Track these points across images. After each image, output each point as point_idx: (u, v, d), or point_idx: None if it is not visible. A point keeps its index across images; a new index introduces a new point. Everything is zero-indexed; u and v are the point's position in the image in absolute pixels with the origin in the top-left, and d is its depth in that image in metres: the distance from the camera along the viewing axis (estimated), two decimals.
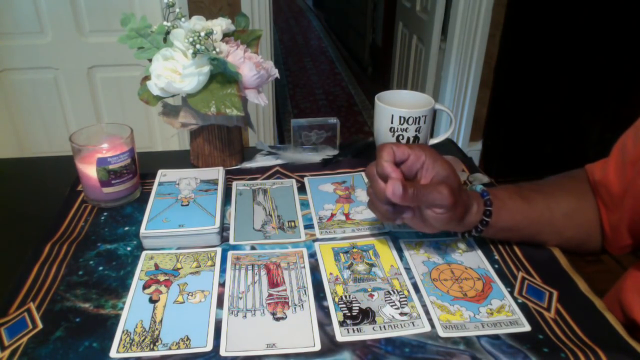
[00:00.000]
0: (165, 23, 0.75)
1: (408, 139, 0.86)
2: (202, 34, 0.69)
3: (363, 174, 0.85)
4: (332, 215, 0.74)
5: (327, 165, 0.87)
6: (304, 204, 0.77)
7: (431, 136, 0.91)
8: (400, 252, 0.66)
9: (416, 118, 0.84)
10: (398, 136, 0.85)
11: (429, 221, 0.58)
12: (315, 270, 0.63)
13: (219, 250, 0.66)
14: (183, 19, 0.75)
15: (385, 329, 0.54)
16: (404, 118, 0.84)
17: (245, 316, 0.55)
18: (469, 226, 0.62)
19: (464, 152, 0.96)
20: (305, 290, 0.59)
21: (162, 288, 0.59)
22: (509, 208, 0.63)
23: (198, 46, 0.69)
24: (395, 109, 0.84)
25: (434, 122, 0.90)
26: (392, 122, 0.84)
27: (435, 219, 0.58)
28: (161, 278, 0.61)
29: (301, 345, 0.51)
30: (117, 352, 0.51)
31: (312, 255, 0.65)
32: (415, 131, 0.85)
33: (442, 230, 0.62)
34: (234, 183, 0.82)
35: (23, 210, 0.77)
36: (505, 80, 2.31)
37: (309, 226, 0.72)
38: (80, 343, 0.51)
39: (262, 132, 2.22)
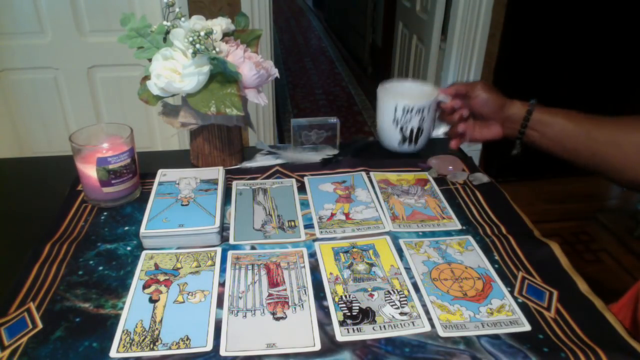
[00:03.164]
0: (165, 23, 0.75)
1: (412, 130, 0.85)
2: (202, 33, 0.69)
3: (363, 173, 0.85)
4: (332, 214, 0.74)
5: (327, 165, 0.87)
6: (304, 204, 0.77)
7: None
8: (400, 252, 0.66)
9: (420, 108, 0.82)
10: (402, 127, 0.85)
11: (477, 108, 0.80)
12: (315, 270, 0.63)
13: (218, 250, 0.66)
14: (183, 19, 0.75)
15: (385, 329, 0.54)
16: (408, 109, 0.82)
17: (245, 316, 0.55)
18: (517, 116, 0.77)
19: (464, 152, 0.96)
20: (305, 290, 0.59)
21: (162, 288, 0.59)
22: (553, 113, 0.74)
23: (198, 46, 0.69)
24: (399, 100, 0.82)
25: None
26: (395, 112, 0.83)
27: (478, 102, 0.80)
28: (161, 278, 0.61)
29: (301, 345, 0.51)
30: (117, 352, 0.51)
31: (312, 255, 0.65)
32: (419, 122, 0.84)
33: (493, 116, 0.80)
34: (234, 183, 0.82)
35: (23, 210, 0.77)
36: (505, 80, 2.31)
37: (309, 226, 0.71)
38: (80, 343, 0.51)
39: (262, 131, 2.22)
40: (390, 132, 0.86)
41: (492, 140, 0.83)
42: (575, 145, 0.71)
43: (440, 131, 0.89)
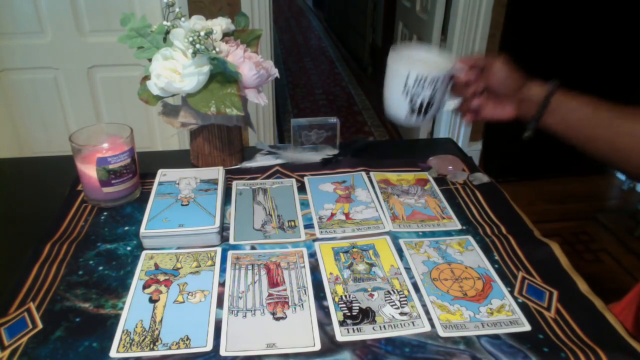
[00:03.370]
0: (165, 23, 0.75)
1: (422, 102, 0.76)
2: (202, 33, 0.69)
3: (363, 173, 0.85)
4: (332, 214, 0.74)
5: (327, 165, 0.87)
6: (304, 204, 0.77)
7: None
8: (400, 252, 0.66)
9: (434, 79, 0.73)
10: (412, 98, 0.75)
11: (494, 85, 0.72)
12: (315, 270, 0.63)
13: (218, 250, 0.66)
14: (183, 19, 0.75)
15: (385, 329, 0.54)
16: (421, 78, 0.73)
17: (245, 316, 0.55)
18: (536, 98, 0.70)
19: (464, 152, 0.96)
20: (305, 290, 0.59)
21: (162, 288, 0.59)
22: (575, 98, 0.70)
23: (198, 46, 0.69)
24: (412, 68, 0.73)
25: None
26: (406, 81, 0.74)
27: (496, 77, 0.72)
28: (161, 278, 0.61)
29: (301, 345, 0.51)
30: (117, 352, 0.51)
31: (312, 255, 0.65)
32: (432, 93, 0.74)
33: (509, 95, 0.72)
34: (234, 183, 0.82)
35: (23, 210, 0.77)
36: None
37: (308, 226, 0.71)
38: (80, 343, 0.51)
39: (262, 131, 2.22)
40: (398, 102, 0.77)
41: (503, 120, 0.76)
42: (592, 133, 0.68)
43: (451, 106, 0.79)
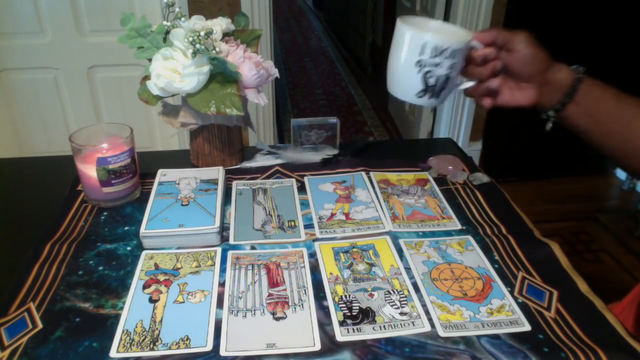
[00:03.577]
0: (165, 23, 0.75)
1: (438, 78, 0.64)
2: (202, 33, 0.69)
3: (363, 173, 0.85)
4: (332, 214, 0.74)
5: (327, 165, 0.87)
6: (304, 204, 0.77)
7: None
8: (400, 252, 0.66)
9: (454, 51, 0.61)
10: (426, 72, 0.64)
11: (516, 65, 0.63)
12: (315, 270, 0.63)
13: (218, 250, 0.66)
14: (183, 19, 0.75)
15: (385, 329, 0.54)
16: (440, 49, 0.61)
17: (245, 316, 0.55)
18: (561, 82, 0.63)
19: (464, 152, 0.96)
20: (305, 290, 0.59)
21: (162, 288, 0.59)
22: (602, 89, 0.64)
23: (198, 46, 0.69)
24: (430, 37, 0.61)
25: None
26: (422, 52, 0.62)
27: (519, 57, 0.62)
28: (161, 278, 0.61)
29: (301, 345, 0.51)
30: (117, 352, 0.51)
31: (312, 255, 0.65)
32: (449, 69, 0.63)
33: (532, 78, 0.64)
34: (234, 183, 0.82)
35: (23, 210, 0.77)
36: None
37: (308, 226, 0.71)
38: (80, 343, 0.51)
39: (262, 131, 2.22)
40: (408, 78, 0.64)
41: (523, 106, 0.68)
42: (613, 127, 0.62)
43: (466, 85, 0.67)
